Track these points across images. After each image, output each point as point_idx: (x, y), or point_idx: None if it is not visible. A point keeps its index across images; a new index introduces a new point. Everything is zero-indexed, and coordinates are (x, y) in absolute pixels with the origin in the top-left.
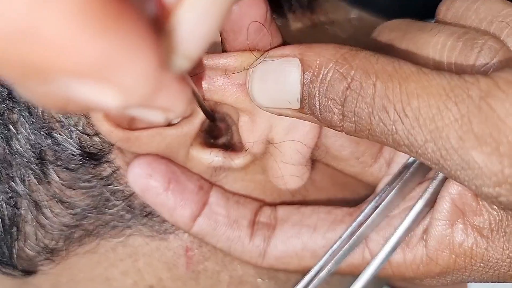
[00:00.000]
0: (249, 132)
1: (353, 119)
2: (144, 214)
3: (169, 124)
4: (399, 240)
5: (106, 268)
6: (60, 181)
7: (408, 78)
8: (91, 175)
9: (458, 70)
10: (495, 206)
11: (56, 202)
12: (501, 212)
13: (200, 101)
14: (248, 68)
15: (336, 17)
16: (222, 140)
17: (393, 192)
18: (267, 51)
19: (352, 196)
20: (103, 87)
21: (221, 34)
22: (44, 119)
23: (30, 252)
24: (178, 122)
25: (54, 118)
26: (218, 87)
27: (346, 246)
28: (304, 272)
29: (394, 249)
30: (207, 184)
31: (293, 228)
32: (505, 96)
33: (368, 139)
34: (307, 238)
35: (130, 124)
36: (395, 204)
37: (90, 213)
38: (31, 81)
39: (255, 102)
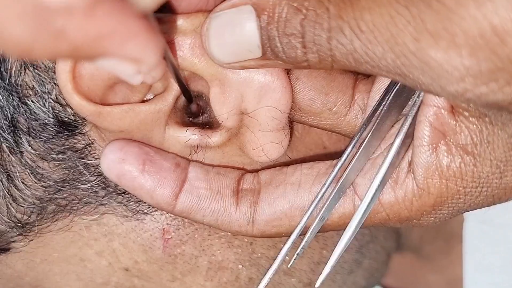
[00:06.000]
0: (221, 104)
1: (314, 48)
2: (119, 192)
3: (143, 101)
4: (384, 177)
5: (81, 247)
6: (32, 151)
7: None
8: (64, 147)
9: None
10: (472, 119)
11: (29, 173)
12: (479, 122)
13: (175, 69)
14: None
15: None
16: (200, 119)
17: (371, 129)
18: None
19: (337, 148)
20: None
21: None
22: (17, 85)
23: (2, 226)
24: (151, 99)
25: (27, 85)
26: (187, 54)
27: (334, 191)
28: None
29: (381, 186)
30: (184, 161)
31: (278, 189)
32: None
33: (333, 68)
34: (293, 196)
35: (102, 99)
36: (376, 144)
37: (62, 187)
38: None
39: (215, 60)
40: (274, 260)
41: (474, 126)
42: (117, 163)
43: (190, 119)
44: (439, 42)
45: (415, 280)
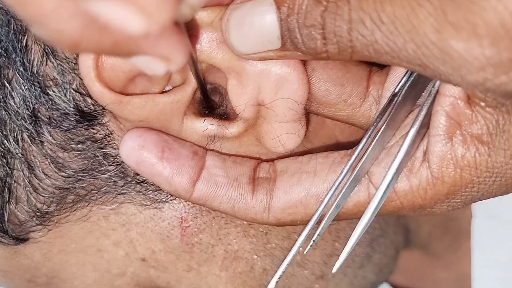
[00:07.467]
0: (239, 95)
1: (334, 40)
2: (137, 181)
3: (162, 92)
4: (400, 166)
5: (98, 238)
6: (53, 141)
7: None
8: (84, 137)
9: None
10: (489, 109)
11: (49, 163)
12: (496, 112)
13: (194, 64)
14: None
15: None
16: (216, 111)
17: (386, 119)
18: None
19: (349, 141)
20: (126, 8)
21: None
22: (39, 76)
23: (22, 216)
24: (170, 90)
25: (49, 76)
26: (204, 47)
27: (350, 179)
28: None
29: (397, 175)
30: (201, 149)
31: (293, 177)
32: None
33: (352, 59)
34: (309, 184)
35: (123, 90)
36: (391, 133)
37: (82, 176)
38: None
39: (234, 51)
40: (291, 248)
41: (491, 115)
42: (136, 150)
43: (207, 111)
44: (460, 32)
45: (423, 277)
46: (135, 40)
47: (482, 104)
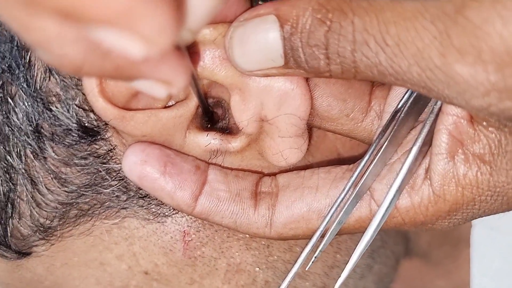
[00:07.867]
0: (241, 111)
1: (338, 60)
2: (140, 196)
3: (165, 107)
4: (402, 183)
5: (101, 251)
6: (56, 156)
7: (383, 8)
8: (86, 152)
9: None
10: (491, 128)
11: (52, 178)
12: (498, 132)
13: (195, 82)
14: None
15: None
16: (219, 124)
17: (388, 135)
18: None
19: (351, 155)
20: (127, 35)
21: None
22: (42, 92)
23: (25, 230)
24: (173, 105)
25: (52, 92)
26: (207, 64)
27: (352, 196)
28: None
29: (399, 192)
30: (204, 164)
31: (296, 192)
32: (478, 4)
33: (356, 79)
34: (311, 199)
35: (125, 106)
36: (393, 150)
37: (85, 192)
38: (66, 25)
39: (238, 68)
40: (293, 265)
41: (493, 135)
42: (138, 164)
43: (209, 125)
44: (466, 57)
45: (422, 285)
46: (136, 65)
47: (485, 123)
